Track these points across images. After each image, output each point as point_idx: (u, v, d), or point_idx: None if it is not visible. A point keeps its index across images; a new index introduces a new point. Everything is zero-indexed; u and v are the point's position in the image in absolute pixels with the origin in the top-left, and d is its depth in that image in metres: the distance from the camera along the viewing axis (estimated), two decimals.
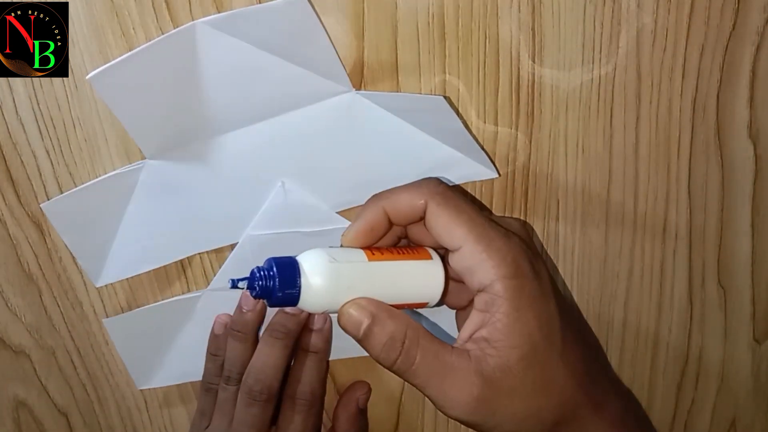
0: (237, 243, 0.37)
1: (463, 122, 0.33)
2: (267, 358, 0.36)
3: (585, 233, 0.36)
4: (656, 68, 0.33)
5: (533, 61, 0.33)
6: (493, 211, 0.36)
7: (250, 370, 0.37)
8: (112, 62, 0.30)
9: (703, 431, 0.41)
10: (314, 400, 0.38)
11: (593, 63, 0.33)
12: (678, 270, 0.37)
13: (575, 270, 0.37)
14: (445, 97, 0.33)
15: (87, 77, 0.30)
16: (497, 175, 0.35)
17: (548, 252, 0.37)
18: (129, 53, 0.31)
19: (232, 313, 0.39)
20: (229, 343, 0.38)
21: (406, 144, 0.34)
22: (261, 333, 0.38)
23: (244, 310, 0.37)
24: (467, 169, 0.34)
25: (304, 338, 0.38)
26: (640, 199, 0.35)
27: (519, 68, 0.33)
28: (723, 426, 0.41)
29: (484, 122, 0.34)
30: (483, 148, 0.34)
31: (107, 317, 0.40)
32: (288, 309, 0.37)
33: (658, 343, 0.39)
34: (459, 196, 0.30)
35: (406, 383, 0.41)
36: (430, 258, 0.31)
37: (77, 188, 0.35)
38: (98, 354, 0.41)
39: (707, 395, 0.40)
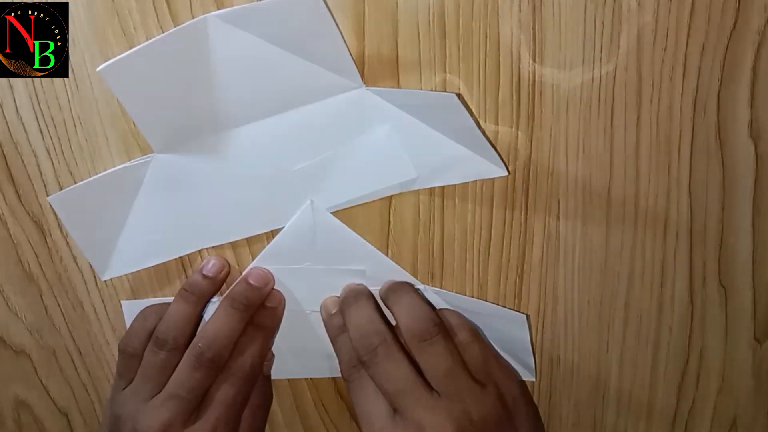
0: (238, 241, 0.37)
1: (474, 120, 0.33)
2: (223, 326, 0.35)
3: (586, 232, 0.36)
4: (657, 68, 0.33)
5: (534, 61, 0.33)
6: (494, 210, 0.36)
7: (205, 334, 0.35)
8: (123, 55, 0.30)
9: (703, 431, 0.41)
10: (252, 374, 0.37)
11: (594, 62, 0.33)
12: (679, 269, 0.37)
13: (576, 269, 0.37)
14: (457, 94, 0.33)
15: (97, 69, 0.30)
16: (507, 173, 0.35)
17: (549, 251, 0.37)
18: (139, 46, 0.31)
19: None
20: (174, 305, 0.36)
21: (417, 141, 0.34)
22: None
23: (205, 275, 0.37)
24: (477, 167, 0.34)
25: (256, 313, 0.37)
26: (641, 198, 0.35)
27: (519, 67, 0.33)
28: (724, 426, 0.41)
29: (485, 121, 0.34)
30: (494, 146, 0.34)
31: (108, 317, 0.40)
32: (252, 281, 0.37)
33: (659, 343, 0.39)
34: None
35: None
36: None
37: (84, 181, 0.35)
38: (99, 354, 0.41)
39: (708, 395, 0.40)
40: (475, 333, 0.36)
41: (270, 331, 0.38)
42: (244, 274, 0.37)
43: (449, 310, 0.37)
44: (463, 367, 0.34)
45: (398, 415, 0.33)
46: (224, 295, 0.37)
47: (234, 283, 0.37)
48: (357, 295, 0.37)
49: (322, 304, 0.38)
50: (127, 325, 0.39)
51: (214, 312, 0.36)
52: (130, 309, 0.39)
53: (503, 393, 0.35)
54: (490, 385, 0.35)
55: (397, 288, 0.37)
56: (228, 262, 0.37)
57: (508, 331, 0.38)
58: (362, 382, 0.35)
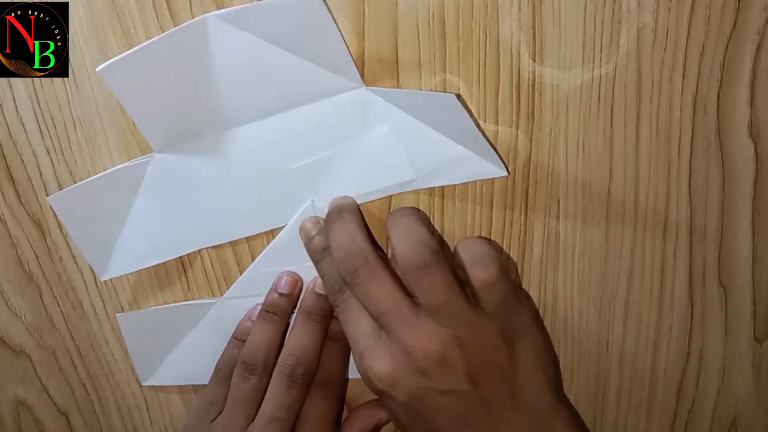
0: (238, 241, 0.37)
1: (474, 120, 0.33)
2: (308, 340, 0.35)
3: (585, 232, 0.36)
4: (657, 67, 0.33)
5: (534, 60, 0.33)
6: (494, 210, 0.36)
7: (291, 351, 0.35)
8: (122, 54, 0.30)
9: (703, 431, 0.41)
10: (342, 387, 0.37)
11: (594, 62, 0.33)
12: (678, 269, 0.37)
13: (575, 269, 0.37)
14: (457, 95, 0.33)
15: (97, 69, 0.30)
16: (507, 174, 0.35)
17: (549, 251, 0.37)
18: (139, 46, 0.31)
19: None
20: (258, 327, 0.36)
21: (416, 141, 0.34)
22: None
23: (281, 293, 0.36)
24: (477, 167, 0.34)
25: (331, 326, 0.37)
26: (641, 198, 0.35)
27: (519, 67, 0.33)
28: (724, 426, 0.41)
29: (485, 121, 0.34)
30: (493, 147, 0.34)
31: (108, 317, 0.40)
32: (319, 289, 0.36)
33: (659, 343, 0.39)
34: None
35: None
36: None
37: (84, 181, 0.35)
38: (98, 353, 0.41)
39: (708, 395, 0.40)
40: (499, 271, 0.32)
41: (347, 342, 0.37)
42: (310, 285, 0.37)
43: (477, 239, 0.34)
44: (462, 297, 0.31)
45: (383, 334, 0.32)
46: (298, 309, 0.37)
47: (303, 296, 0.37)
48: (340, 211, 0.34)
49: (301, 226, 0.36)
50: (125, 338, 0.39)
51: (292, 327, 0.36)
52: (125, 321, 0.39)
53: (508, 326, 0.32)
54: (496, 318, 0.32)
55: (397, 212, 0.34)
56: (300, 276, 0.37)
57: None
58: (348, 303, 0.33)
